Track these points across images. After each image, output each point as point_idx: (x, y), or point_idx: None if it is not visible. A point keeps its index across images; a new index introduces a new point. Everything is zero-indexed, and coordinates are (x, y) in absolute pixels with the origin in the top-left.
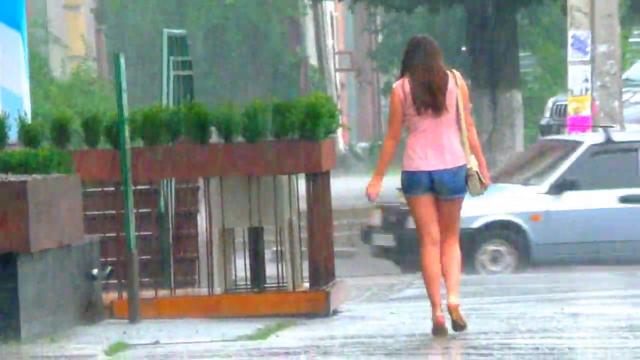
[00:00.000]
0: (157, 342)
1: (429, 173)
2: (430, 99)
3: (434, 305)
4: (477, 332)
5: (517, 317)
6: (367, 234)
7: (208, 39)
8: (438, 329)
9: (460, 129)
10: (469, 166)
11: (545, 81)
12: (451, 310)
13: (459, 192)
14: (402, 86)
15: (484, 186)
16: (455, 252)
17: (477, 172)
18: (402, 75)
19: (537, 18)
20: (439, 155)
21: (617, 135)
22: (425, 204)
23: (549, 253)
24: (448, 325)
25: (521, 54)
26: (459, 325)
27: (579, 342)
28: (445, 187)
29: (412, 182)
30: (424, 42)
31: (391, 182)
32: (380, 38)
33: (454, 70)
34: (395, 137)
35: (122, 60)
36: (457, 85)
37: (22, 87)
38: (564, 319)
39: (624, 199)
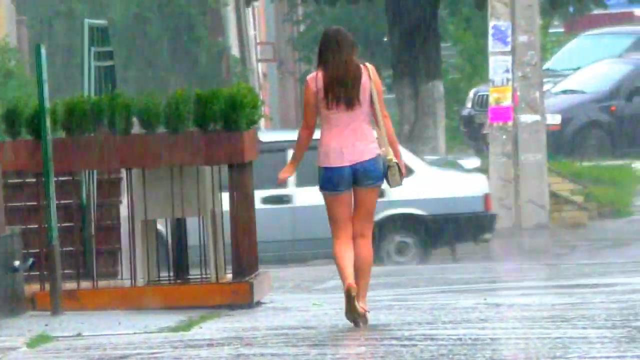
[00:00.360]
0: (79, 334)
1: (351, 167)
2: (343, 94)
3: (343, 276)
4: (400, 323)
5: (440, 307)
6: None
7: (129, 29)
8: (349, 297)
9: (376, 121)
10: (388, 157)
11: (466, 72)
12: (361, 317)
13: (378, 180)
14: (315, 79)
15: (402, 176)
16: (368, 252)
17: (396, 163)
18: (317, 68)
19: (457, 8)
20: (355, 149)
21: (265, 136)
22: (345, 201)
23: None
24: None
25: (442, 45)
26: (352, 309)
27: (501, 333)
28: (367, 176)
29: (332, 180)
30: (337, 36)
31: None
32: (302, 28)
33: (367, 64)
34: (309, 128)
35: (43, 51)
36: (370, 79)
37: None
38: (486, 310)
39: (266, 200)
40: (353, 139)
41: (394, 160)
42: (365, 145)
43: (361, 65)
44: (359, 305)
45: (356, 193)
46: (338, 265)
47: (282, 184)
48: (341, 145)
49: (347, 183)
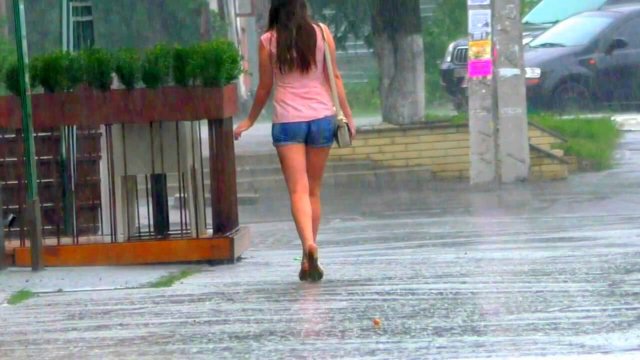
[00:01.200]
0: (60, 290)
1: (307, 123)
2: (297, 57)
3: (303, 236)
4: (381, 278)
5: (421, 262)
6: None
7: None
8: (310, 258)
9: (327, 81)
10: (338, 117)
11: (445, 26)
12: (313, 252)
13: (329, 141)
14: (269, 40)
15: (352, 137)
16: (318, 207)
17: (346, 124)
18: (268, 29)
19: None
20: (310, 107)
21: None
22: (299, 151)
23: None
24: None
25: None
26: (315, 269)
27: (482, 287)
28: (320, 135)
29: (288, 132)
30: None
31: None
32: None
33: (321, 24)
34: (266, 88)
35: (22, 7)
36: (324, 40)
37: None
38: (467, 264)
39: None
40: (308, 99)
41: (344, 120)
42: (320, 105)
43: (315, 26)
44: (320, 266)
45: (309, 152)
46: (297, 224)
47: (237, 138)
48: (297, 104)
49: (301, 137)
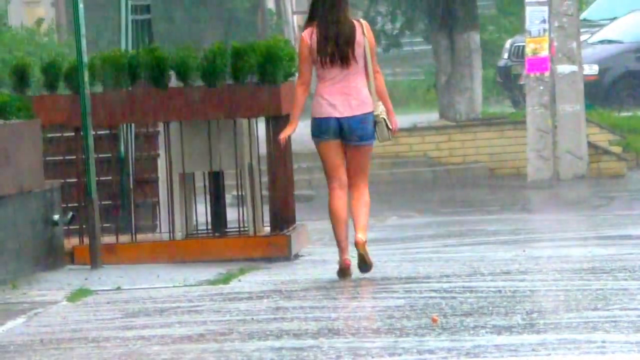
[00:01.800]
0: (118, 288)
1: (338, 120)
2: (336, 51)
3: (341, 249)
4: (439, 276)
5: (479, 260)
6: None
7: None
8: (343, 271)
9: (367, 77)
10: (376, 113)
11: (502, 24)
12: (358, 245)
13: (367, 139)
14: (309, 36)
15: (391, 132)
16: (364, 196)
17: (384, 119)
18: (308, 24)
19: None
20: (346, 103)
21: None
22: (334, 148)
23: None
24: (354, 270)
25: None
26: (364, 262)
27: (540, 284)
28: (353, 134)
29: (321, 128)
30: None
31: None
32: None
33: (361, 20)
34: (305, 83)
35: (81, 5)
36: (364, 35)
37: None
38: (526, 262)
39: None
40: (346, 95)
41: (382, 115)
42: (357, 101)
43: (355, 22)
44: (366, 253)
45: (346, 149)
46: (333, 228)
47: (283, 144)
48: (334, 100)
49: (334, 133)
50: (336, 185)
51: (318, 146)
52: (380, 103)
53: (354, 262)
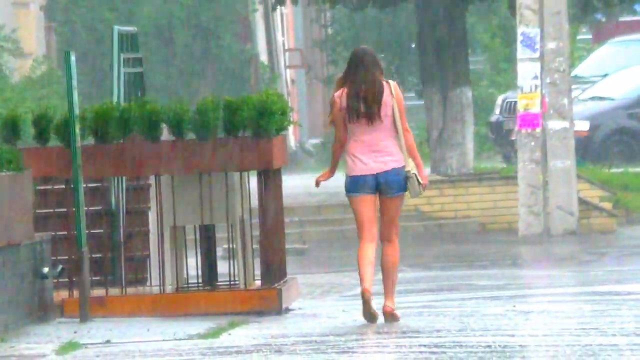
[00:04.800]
0: (108, 342)
1: (375, 176)
2: (365, 110)
3: (361, 279)
4: (429, 330)
5: (469, 314)
6: None
7: (158, 37)
8: (365, 302)
9: (397, 134)
10: (407, 168)
11: (494, 79)
12: (386, 314)
13: (400, 190)
14: (340, 97)
15: (422, 187)
16: (395, 252)
17: (415, 174)
18: (341, 85)
19: (486, 16)
20: (379, 159)
21: None
22: (368, 203)
23: None
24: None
25: (470, 52)
26: (368, 311)
27: (530, 340)
28: (390, 186)
29: (358, 185)
30: (363, 55)
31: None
32: (330, 31)
33: (390, 81)
34: (341, 141)
35: (73, 58)
36: (392, 95)
37: None
38: (516, 317)
39: None
40: (376, 151)
41: (412, 171)
42: (388, 157)
43: (384, 82)
44: (374, 309)
45: (381, 202)
46: (358, 267)
47: (317, 186)
48: (366, 157)
49: (370, 188)
50: (367, 238)
51: (352, 200)
52: (410, 159)
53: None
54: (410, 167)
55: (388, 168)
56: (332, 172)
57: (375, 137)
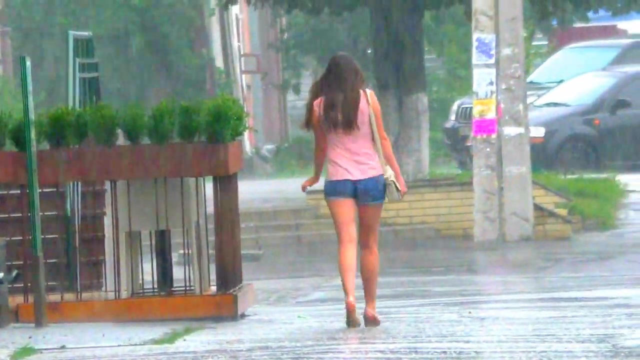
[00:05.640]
0: (63, 347)
1: (353, 182)
2: (341, 118)
3: (346, 292)
4: (385, 336)
5: (424, 320)
6: None
7: (113, 42)
8: (349, 313)
9: (374, 142)
10: (385, 176)
11: (450, 84)
12: (368, 319)
13: (378, 199)
14: (319, 105)
15: (400, 193)
16: (374, 259)
17: (393, 181)
18: (317, 94)
19: (442, 21)
20: (358, 168)
21: None
22: (346, 206)
23: None
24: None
25: (426, 57)
26: (352, 323)
27: (486, 346)
28: (368, 194)
29: (337, 189)
30: (341, 62)
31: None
32: (286, 36)
33: (367, 90)
34: (321, 148)
35: (28, 63)
36: (368, 104)
37: None
38: (471, 323)
39: None
40: (355, 159)
41: (391, 178)
42: (366, 164)
43: (360, 91)
44: (357, 317)
45: (359, 209)
46: (341, 277)
47: (304, 190)
48: (345, 164)
49: (348, 194)
50: (346, 240)
51: (330, 204)
52: (388, 167)
53: (358, 307)
54: (389, 174)
55: (367, 176)
56: (317, 177)
57: (354, 145)
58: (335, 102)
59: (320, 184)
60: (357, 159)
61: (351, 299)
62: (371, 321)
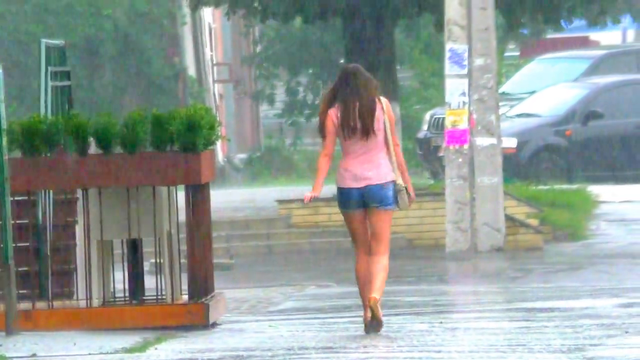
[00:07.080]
0: (34, 355)
1: (359, 189)
2: (359, 125)
3: (365, 307)
4: (356, 346)
5: (396, 330)
6: None
7: (86, 50)
8: (366, 328)
9: (388, 149)
10: (398, 182)
11: (422, 95)
12: (370, 301)
13: (386, 204)
14: (335, 113)
15: (411, 200)
16: (383, 261)
17: (405, 188)
18: (331, 103)
19: (415, 32)
20: (367, 173)
21: None
22: (358, 219)
23: None
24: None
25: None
26: (375, 318)
27: (457, 356)
28: (373, 198)
29: (342, 198)
30: (355, 71)
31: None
32: (259, 48)
33: (382, 98)
34: (329, 155)
35: (0, 71)
36: (383, 112)
37: None
38: (443, 333)
39: None
40: (367, 165)
41: (403, 185)
42: (377, 171)
43: (376, 99)
44: (376, 310)
45: (368, 214)
46: (358, 286)
47: (308, 202)
48: (356, 170)
49: (357, 203)
50: (362, 251)
51: (344, 216)
52: (399, 174)
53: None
54: (401, 181)
55: (374, 182)
56: (320, 187)
57: (368, 151)
58: (353, 110)
59: (323, 192)
60: (368, 165)
61: (369, 314)
62: (374, 304)
